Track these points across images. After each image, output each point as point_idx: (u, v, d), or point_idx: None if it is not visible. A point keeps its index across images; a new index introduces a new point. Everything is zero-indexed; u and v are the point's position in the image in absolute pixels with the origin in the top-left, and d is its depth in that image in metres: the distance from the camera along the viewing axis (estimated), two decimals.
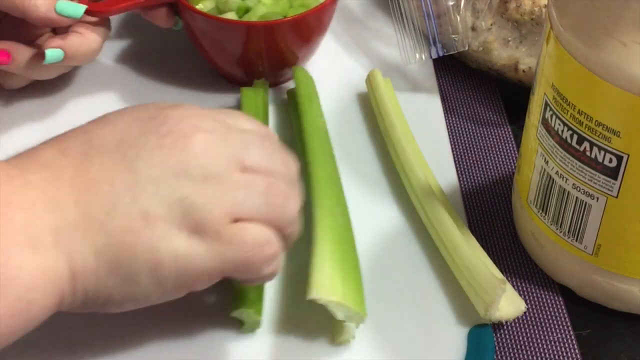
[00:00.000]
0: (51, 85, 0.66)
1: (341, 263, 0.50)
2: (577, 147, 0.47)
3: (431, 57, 0.65)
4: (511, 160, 0.62)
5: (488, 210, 0.59)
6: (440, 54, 0.65)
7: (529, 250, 0.55)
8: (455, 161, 0.62)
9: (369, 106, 0.64)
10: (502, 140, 0.64)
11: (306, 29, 0.64)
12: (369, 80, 0.64)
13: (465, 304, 0.52)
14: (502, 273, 0.53)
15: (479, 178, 0.61)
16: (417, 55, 0.66)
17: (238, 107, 0.63)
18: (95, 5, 0.61)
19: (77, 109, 0.65)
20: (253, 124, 0.47)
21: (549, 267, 0.54)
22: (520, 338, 0.51)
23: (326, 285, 0.47)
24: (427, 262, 0.54)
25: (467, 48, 0.65)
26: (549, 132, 0.49)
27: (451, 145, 0.63)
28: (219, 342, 0.50)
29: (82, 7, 0.59)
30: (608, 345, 0.51)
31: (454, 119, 0.66)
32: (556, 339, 0.51)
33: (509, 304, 0.51)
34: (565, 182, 0.49)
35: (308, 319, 0.51)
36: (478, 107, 0.67)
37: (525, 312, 0.51)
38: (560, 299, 0.53)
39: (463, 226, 0.55)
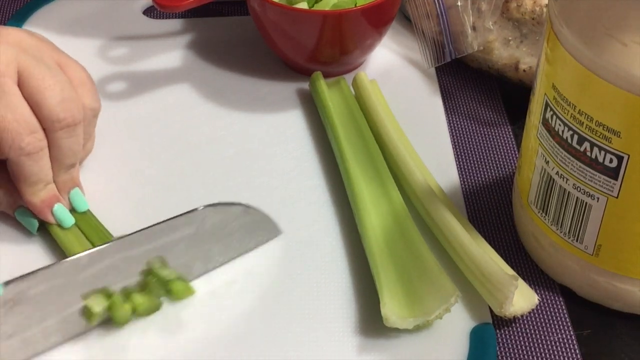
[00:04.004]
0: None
1: (397, 277, 0.51)
2: (578, 147, 0.47)
3: (450, 59, 0.66)
4: (511, 160, 0.62)
5: (488, 210, 0.59)
6: (453, 57, 0.66)
7: (530, 250, 0.55)
8: (456, 161, 0.62)
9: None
10: (502, 140, 0.64)
11: (377, 17, 0.65)
12: (356, 83, 0.64)
13: (468, 303, 0.52)
14: None
15: (480, 178, 0.61)
16: (437, 59, 0.66)
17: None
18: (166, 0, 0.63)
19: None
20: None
21: (550, 268, 0.54)
22: (521, 338, 0.51)
23: (394, 315, 0.49)
24: None
25: (476, 49, 0.65)
26: (550, 132, 0.49)
27: (452, 144, 0.63)
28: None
29: (72, 220, 0.56)
30: (608, 345, 0.51)
31: (454, 118, 0.66)
32: (556, 339, 0.51)
33: (521, 298, 0.51)
34: (566, 182, 0.49)
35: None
36: (478, 106, 0.67)
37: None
38: (561, 299, 0.53)
39: (469, 225, 0.55)
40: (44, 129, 0.53)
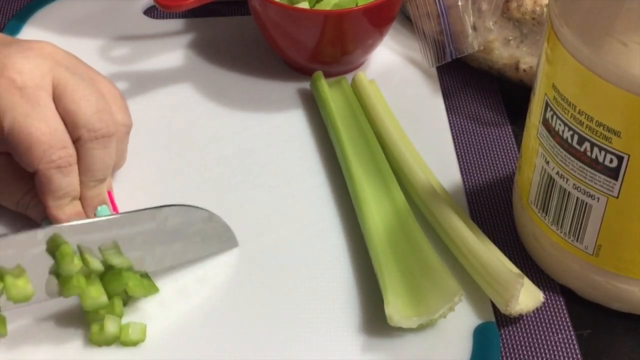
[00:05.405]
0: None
1: (401, 276, 0.51)
2: (578, 147, 0.47)
3: (450, 59, 0.66)
4: (511, 161, 0.62)
5: (488, 210, 0.59)
6: (454, 56, 0.66)
7: (530, 250, 0.55)
8: (457, 160, 0.62)
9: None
10: (502, 140, 0.64)
11: (378, 17, 0.65)
12: (355, 83, 0.64)
13: (471, 302, 0.52)
14: None
15: (480, 178, 0.61)
16: (438, 59, 0.66)
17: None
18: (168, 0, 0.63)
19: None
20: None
21: (550, 268, 0.54)
22: (521, 338, 0.51)
23: (398, 314, 0.49)
24: None
25: (476, 49, 0.65)
26: (550, 132, 0.49)
27: (453, 144, 0.63)
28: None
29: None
30: (609, 345, 0.51)
31: (454, 118, 0.66)
32: (557, 340, 0.51)
33: (527, 296, 0.51)
34: (566, 182, 0.49)
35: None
36: (478, 106, 0.67)
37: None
38: (561, 299, 0.53)
39: (472, 224, 0.56)
40: (78, 139, 0.53)
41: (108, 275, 0.51)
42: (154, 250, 0.53)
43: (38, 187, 0.53)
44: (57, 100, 0.53)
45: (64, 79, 0.53)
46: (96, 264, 0.50)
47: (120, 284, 0.51)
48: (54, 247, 0.50)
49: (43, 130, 0.52)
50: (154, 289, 0.52)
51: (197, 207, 0.53)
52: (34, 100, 0.52)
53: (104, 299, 0.50)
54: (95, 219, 0.51)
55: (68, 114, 0.53)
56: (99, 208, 0.55)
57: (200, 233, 0.54)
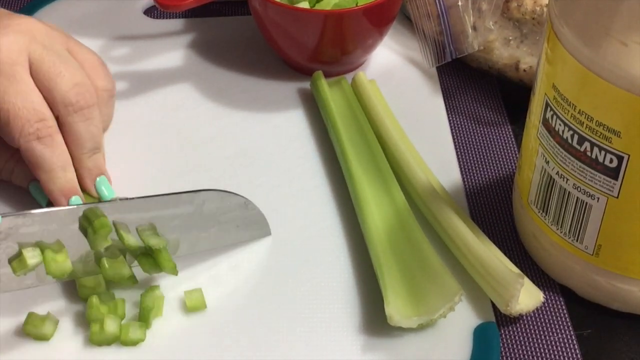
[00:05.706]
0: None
1: (401, 276, 0.51)
2: (578, 147, 0.47)
3: (450, 59, 0.66)
4: (512, 160, 0.62)
5: (488, 210, 0.59)
6: (454, 56, 0.66)
7: (530, 250, 0.55)
8: (457, 160, 0.62)
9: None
10: (502, 140, 0.64)
11: (379, 17, 0.65)
12: (355, 83, 0.64)
13: (471, 301, 0.52)
14: None
15: (480, 178, 0.61)
16: (438, 59, 0.66)
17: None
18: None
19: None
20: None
21: (550, 268, 0.54)
22: (521, 338, 0.51)
23: (398, 314, 0.49)
24: None
25: (476, 49, 0.65)
26: (550, 132, 0.49)
27: (454, 144, 0.63)
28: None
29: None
30: (608, 345, 0.51)
31: (454, 118, 0.66)
32: (557, 339, 0.51)
33: (527, 296, 0.51)
34: (566, 182, 0.49)
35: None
36: (478, 106, 0.67)
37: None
38: (561, 299, 0.53)
39: (472, 224, 0.56)
40: (60, 115, 0.55)
41: (143, 255, 0.52)
42: (190, 234, 0.53)
43: (29, 165, 0.54)
44: (34, 75, 0.55)
45: (39, 56, 0.55)
46: (131, 240, 0.51)
47: (155, 264, 0.51)
48: (88, 221, 0.50)
49: (19, 105, 0.53)
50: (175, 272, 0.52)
51: (234, 193, 0.54)
52: (11, 76, 0.53)
53: (127, 271, 0.51)
54: (135, 198, 0.52)
55: (45, 91, 0.54)
56: (97, 179, 0.56)
57: (235, 220, 0.54)
